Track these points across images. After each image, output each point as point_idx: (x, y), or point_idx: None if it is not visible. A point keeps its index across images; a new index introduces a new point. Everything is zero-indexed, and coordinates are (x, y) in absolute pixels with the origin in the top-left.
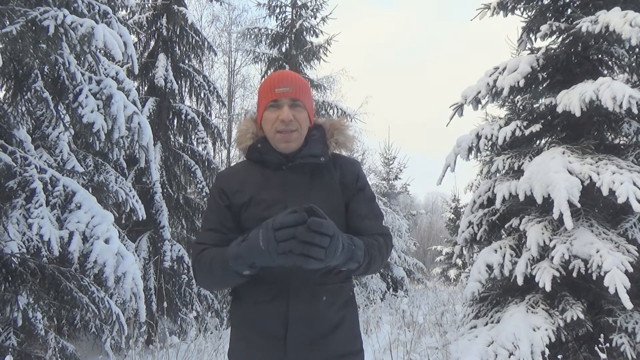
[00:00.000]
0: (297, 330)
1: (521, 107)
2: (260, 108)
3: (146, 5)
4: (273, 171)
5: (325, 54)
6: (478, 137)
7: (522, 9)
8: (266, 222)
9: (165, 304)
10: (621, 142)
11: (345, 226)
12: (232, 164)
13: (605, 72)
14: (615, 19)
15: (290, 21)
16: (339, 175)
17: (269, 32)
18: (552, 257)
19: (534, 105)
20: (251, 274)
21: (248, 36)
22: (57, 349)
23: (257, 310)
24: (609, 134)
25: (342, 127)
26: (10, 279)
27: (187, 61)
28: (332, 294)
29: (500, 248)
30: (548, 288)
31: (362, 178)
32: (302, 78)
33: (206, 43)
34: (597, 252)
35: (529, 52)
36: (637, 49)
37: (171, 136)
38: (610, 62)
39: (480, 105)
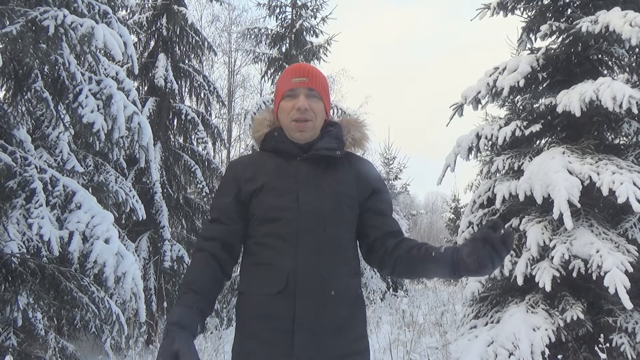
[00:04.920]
0: (305, 325)
1: (521, 107)
2: (277, 98)
3: (146, 5)
4: (287, 161)
5: (325, 54)
6: (478, 137)
7: (522, 9)
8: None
9: (165, 304)
10: (621, 142)
11: (355, 220)
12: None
13: (605, 72)
14: (615, 19)
15: (290, 21)
16: (354, 174)
17: (269, 32)
18: (552, 257)
19: (534, 105)
20: None
21: (248, 36)
22: (57, 349)
23: (264, 304)
24: (609, 134)
25: (358, 124)
26: (10, 279)
27: (187, 61)
28: (340, 290)
29: None
30: (548, 288)
31: (381, 178)
32: (320, 71)
33: (206, 43)
34: (597, 252)
35: (529, 52)
36: (637, 49)
37: (171, 136)
38: (610, 62)
39: (480, 106)
